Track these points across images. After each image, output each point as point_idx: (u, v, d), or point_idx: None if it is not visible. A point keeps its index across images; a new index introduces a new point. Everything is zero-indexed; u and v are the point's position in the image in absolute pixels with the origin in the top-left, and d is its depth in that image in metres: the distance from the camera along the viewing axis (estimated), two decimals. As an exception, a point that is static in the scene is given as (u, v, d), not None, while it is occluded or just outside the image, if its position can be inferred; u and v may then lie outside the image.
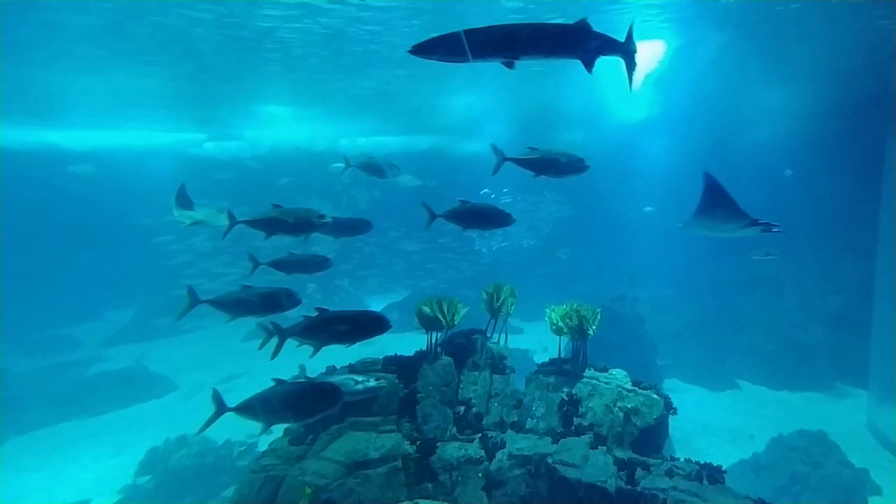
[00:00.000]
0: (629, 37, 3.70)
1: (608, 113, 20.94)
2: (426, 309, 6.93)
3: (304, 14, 11.60)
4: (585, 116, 21.57)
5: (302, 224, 6.31)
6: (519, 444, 6.39)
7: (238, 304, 5.89)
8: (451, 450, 6.33)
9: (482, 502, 6.12)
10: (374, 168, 9.16)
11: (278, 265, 6.97)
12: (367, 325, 5.15)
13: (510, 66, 3.57)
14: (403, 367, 7.02)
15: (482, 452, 6.32)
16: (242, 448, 11.57)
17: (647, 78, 16.77)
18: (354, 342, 5.24)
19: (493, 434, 6.62)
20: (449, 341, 7.25)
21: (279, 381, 5.10)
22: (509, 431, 6.77)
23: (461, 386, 6.96)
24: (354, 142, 28.05)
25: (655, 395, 6.72)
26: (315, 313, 5.34)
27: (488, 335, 7.48)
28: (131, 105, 19.50)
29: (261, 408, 4.75)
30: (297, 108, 22.43)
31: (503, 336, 7.53)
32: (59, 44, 12.56)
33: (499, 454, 6.29)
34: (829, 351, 15.97)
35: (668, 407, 6.72)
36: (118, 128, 23.89)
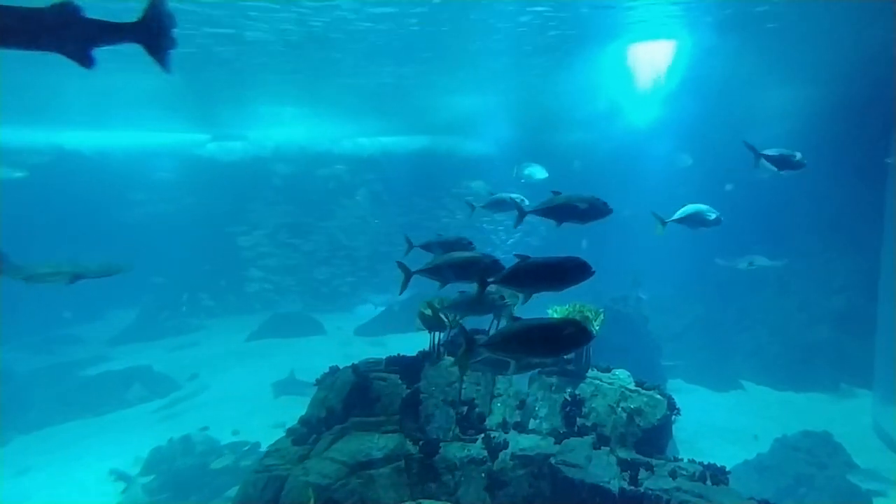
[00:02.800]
0: (149, 16, 2.78)
1: (613, 113, 20.89)
2: (428, 310, 6.93)
3: (304, 13, 11.61)
4: (589, 117, 21.52)
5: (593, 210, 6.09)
6: (522, 444, 6.38)
7: (447, 272, 5.75)
8: (454, 450, 6.33)
9: (485, 502, 6.12)
10: (501, 203, 8.96)
11: (428, 247, 6.98)
12: (572, 271, 4.94)
13: None
14: (406, 368, 7.02)
15: (485, 453, 6.31)
16: (246, 448, 11.59)
17: (654, 78, 16.73)
18: (560, 289, 4.99)
19: (496, 434, 6.61)
20: (451, 341, 7.25)
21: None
22: (512, 432, 6.76)
23: (464, 386, 6.96)
24: (356, 142, 28.08)
25: (659, 396, 6.70)
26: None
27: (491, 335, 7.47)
28: (131, 105, 19.55)
29: (507, 342, 4.45)
30: (299, 108, 22.48)
31: (506, 336, 7.51)
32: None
33: (502, 454, 6.28)
34: (833, 351, 15.90)
35: (672, 407, 6.70)
36: (120, 127, 23.96)
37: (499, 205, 9.20)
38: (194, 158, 25.38)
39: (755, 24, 12.37)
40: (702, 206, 8.27)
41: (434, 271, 5.83)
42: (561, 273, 4.87)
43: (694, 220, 8.12)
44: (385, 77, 16.81)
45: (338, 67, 15.53)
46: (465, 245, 6.49)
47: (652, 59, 15.21)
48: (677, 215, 8.13)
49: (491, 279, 4.96)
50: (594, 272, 4.83)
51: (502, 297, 6.18)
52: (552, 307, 7.07)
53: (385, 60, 15.03)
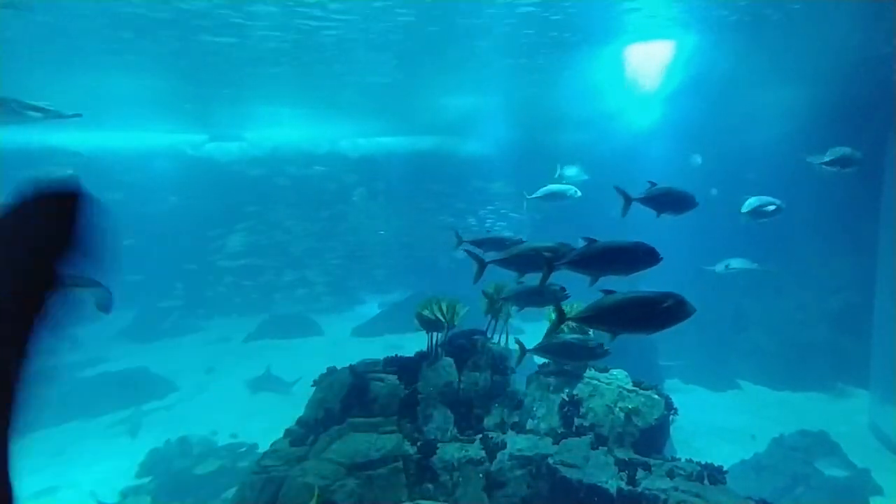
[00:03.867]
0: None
1: (614, 114, 20.92)
2: (426, 311, 6.94)
3: (305, 13, 11.62)
4: (588, 117, 21.55)
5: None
6: (520, 444, 6.39)
7: (526, 263, 5.69)
8: (452, 450, 6.33)
9: (483, 503, 6.12)
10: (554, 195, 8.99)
11: (478, 243, 6.97)
12: (641, 256, 4.85)
13: None
14: (404, 368, 7.02)
15: (483, 453, 6.32)
16: (243, 449, 11.58)
17: (654, 78, 16.74)
18: (627, 274, 4.92)
19: (494, 435, 6.62)
20: (450, 342, 7.26)
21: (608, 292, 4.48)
22: (510, 432, 6.77)
23: (462, 386, 6.96)
24: (354, 142, 28.09)
25: (656, 396, 6.72)
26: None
27: (489, 336, 7.48)
28: (131, 106, 19.51)
29: (601, 315, 4.30)
30: (298, 108, 22.46)
31: (504, 336, 7.53)
32: (56, 45, 12.58)
33: (500, 455, 6.29)
34: (830, 351, 15.94)
35: (669, 407, 6.72)
36: (117, 128, 23.90)
37: (553, 196, 9.45)
38: (191, 159, 25.33)
39: (754, 23, 12.40)
40: (764, 198, 8.62)
41: (511, 262, 5.78)
42: (630, 257, 4.85)
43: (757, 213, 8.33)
44: (382, 77, 16.80)
45: (336, 66, 15.52)
46: (516, 241, 6.50)
47: (650, 59, 15.22)
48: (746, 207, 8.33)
49: (560, 262, 4.93)
50: (662, 259, 4.80)
51: (563, 289, 6.19)
52: (549, 307, 7.06)
53: (383, 60, 15.03)
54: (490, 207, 23.84)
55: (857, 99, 15.45)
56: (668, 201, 6.28)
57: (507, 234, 6.90)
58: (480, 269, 5.86)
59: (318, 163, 26.38)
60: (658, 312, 4.28)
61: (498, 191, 24.23)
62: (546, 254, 5.40)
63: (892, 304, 12.53)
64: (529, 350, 6.09)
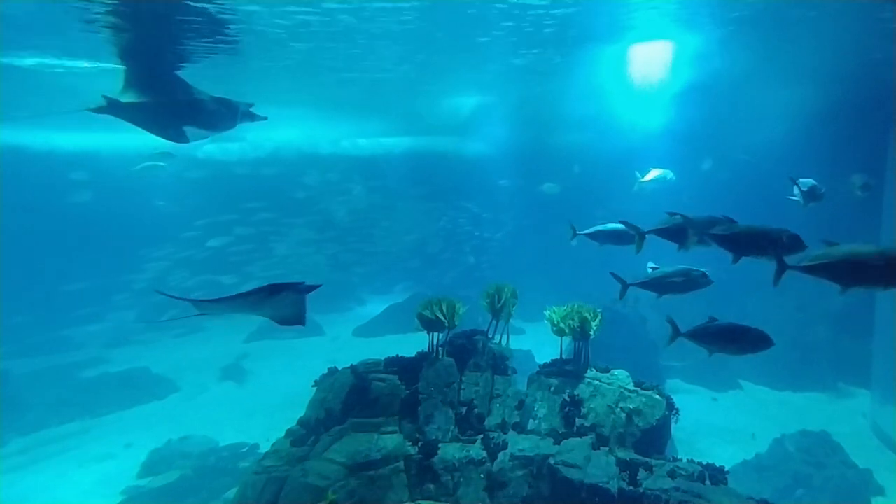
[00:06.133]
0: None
1: (613, 114, 20.92)
2: (426, 311, 6.94)
3: (304, 12, 11.57)
4: (590, 118, 21.56)
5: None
6: (521, 444, 6.39)
7: (681, 233, 5.96)
8: (453, 451, 6.33)
9: (484, 503, 6.12)
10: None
11: (594, 236, 7.02)
12: (787, 241, 5.10)
13: None
14: (405, 369, 7.03)
15: (484, 453, 6.32)
16: (244, 449, 11.58)
17: (654, 79, 16.74)
18: (772, 256, 5.09)
19: (495, 435, 6.62)
20: (450, 342, 7.26)
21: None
22: (511, 432, 6.77)
23: (463, 387, 6.97)
24: (355, 143, 28.09)
25: (657, 396, 6.72)
26: None
27: (490, 336, 7.48)
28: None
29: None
30: (298, 109, 22.43)
31: (505, 337, 7.53)
32: (54, 41, 12.54)
33: (501, 455, 6.29)
34: (831, 351, 15.92)
35: (671, 407, 6.73)
36: (115, 129, 23.88)
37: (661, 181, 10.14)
38: (191, 160, 25.30)
39: (755, 23, 12.38)
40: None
41: (667, 232, 6.01)
42: (775, 242, 4.90)
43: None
44: (382, 76, 16.76)
45: (333, 66, 15.49)
46: (632, 237, 6.57)
47: (652, 59, 15.20)
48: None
49: (708, 234, 5.00)
50: (806, 247, 4.87)
51: (704, 275, 6.29)
52: (549, 308, 7.08)
53: (381, 59, 15.00)
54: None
55: (856, 99, 15.45)
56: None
57: (619, 226, 6.97)
58: (640, 240, 6.10)
59: (319, 163, 26.39)
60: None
61: (502, 190, 24.31)
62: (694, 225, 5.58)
63: (892, 305, 12.52)
64: (631, 283, 6.38)
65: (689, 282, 6.36)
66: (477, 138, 27.09)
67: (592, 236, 7.30)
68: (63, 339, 20.56)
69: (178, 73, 10.28)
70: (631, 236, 6.70)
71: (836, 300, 16.58)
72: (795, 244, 5.04)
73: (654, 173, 14.46)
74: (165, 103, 7.59)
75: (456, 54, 14.56)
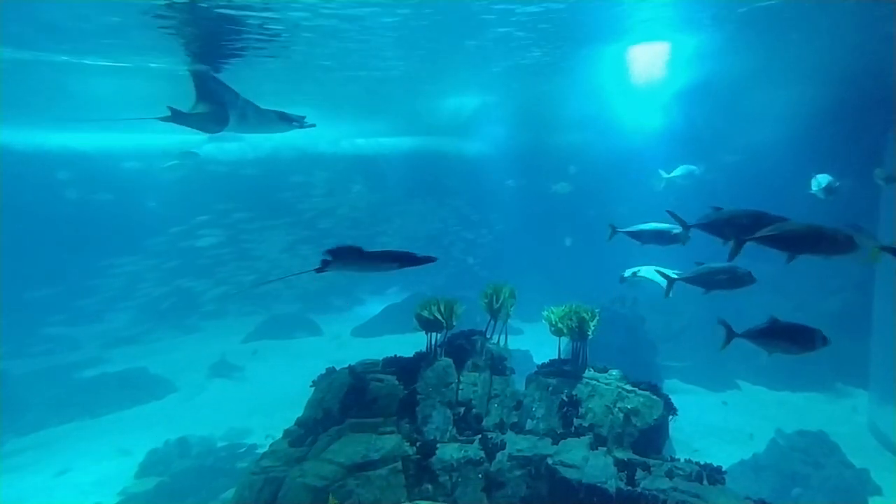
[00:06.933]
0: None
1: (611, 114, 20.96)
2: (425, 311, 6.94)
3: (303, 11, 11.55)
4: (588, 119, 21.59)
5: None
6: (519, 445, 6.39)
7: (727, 227, 5.86)
8: (451, 451, 6.32)
9: (482, 503, 6.12)
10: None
11: (636, 235, 6.95)
12: (841, 242, 5.03)
13: None
14: (403, 369, 7.02)
15: (482, 453, 6.32)
16: (242, 449, 11.57)
17: (653, 79, 16.75)
18: (825, 256, 5.26)
19: (493, 435, 6.62)
20: (449, 342, 7.26)
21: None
22: (509, 432, 6.77)
23: (461, 387, 6.96)
24: (353, 143, 28.07)
25: (655, 396, 6.72)
26: None
27: (488, 336, 7.48)
28: (127, 106, 19.47)
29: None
30: (297, 109, 22.42)
31: (503, 337, 7.53)
32: (54, 43, 12.54)
33: (499, 455, 6.29)
34: (829, 351, 15.83)
35: (668, 407, 6.72)
36: (113, 129, 23.85)
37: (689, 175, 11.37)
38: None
39: (754, 24, 12.40)
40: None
41: (712, 226, 5.89)
42: (829, 242, 4.83)
43: None
44: (381, 75, 16.75)
45: (331, 65, 15.48)
46: (674, 237, 6.54)
47: (651, 60, 15.21)
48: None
49: (747, 237, 4.96)
50: (858, 248, 4.82)
51: (749, 274, 6.29)
52: (547, 308, 7.08)
53: (379, 59, 14.99)
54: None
55: (854, 99, 15.48)
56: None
57: (662, 225, 6.91)
58: (685, 232, 6.04)
59: (318, 163, 26.37)
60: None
61: (501, 190, 24.33)
62: (744, 223, 5.54)
63: (890, 305, 12.55)
64: (677, 279, 6.47)
65: (734, 279, 6.34)
66: (475, 138, 27.11)
67: (634, 235, 7.17)
68: (61, 338, 20.52)
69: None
70: (673, 236, 6.62)
71: (835, 300, 16.62)
72: (850, 244, 4.95)
73: (680, 169, 14.80)
74: (221, 113, 7.96)
75: (453, 55, 14.54)
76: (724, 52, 14.33)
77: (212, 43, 11.46)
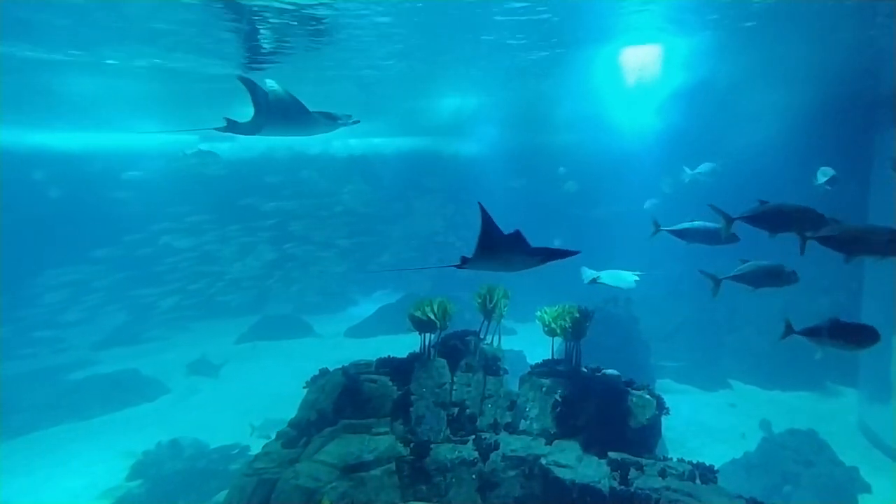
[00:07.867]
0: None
1: (605, 116, 21.04)
2: (418, 312, 6.94)
3: (299, 10, 11.52)
4: (580, 120, 21.65)
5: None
6: (513, 445, 6.40)
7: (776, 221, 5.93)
8: (445, 451, 6.33)
9: (476, 504, 6.13)
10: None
11: (681, 234, 6.91)
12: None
13: None
14: (397, 370, 7.02)
15: (476, 454, 6.32)
16: (235, 451, 11.51)
17: (645, 81, 16.83)
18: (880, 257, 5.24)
19: (487, 435, 6.63)
20: (442, 343, 7.26)
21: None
22: (503, 433, 6.78)
23: (455, 387, 6.97)
24: (346, 143, 28.00)
25: (648, 396, 6.76)
26: None
27: (482, 336, 7.49)
28: (121, 106, 19.34)
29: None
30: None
31: (496, 337, 7.54)
32: (44, 43, 12.44)
33: (493, 455, 6.30)
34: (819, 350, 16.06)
35: (661, 407, 6.76)
36: (107, 129, 23.70)
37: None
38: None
39: (747, 24, 12.47)
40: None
41: (760, 219, 5.95)
42: (889, 242, 4.85)
43: None
44: (375, 75, 16.73)
45: (328, 64, 15.44)
46: (724, 237, 6.55)
47: (643, 62, 15.28)
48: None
49: (812, 235, 4.96)
50: None
51: (794, 273, 6.32)
52: (541, 308, 7.10)
53: (376, 58, 14.98)
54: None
55: (849, 99, 15.61)
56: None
57: (707, 224, 6.87)
58: (728, 226, 6.08)
59: (310, 163, 26.29)
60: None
61: (496, 189, 24.34)
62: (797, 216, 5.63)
63: (879, 304, 12.67)
64: (724, 278, 6.48)
65: (780, 277, 6.41)
66: (470, 139, 27.12)
67: (679, 234, 7.12)
68: (52, 340, 20.32)
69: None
70: (719, 236, 6.61)
71: (825, 299, 16.75)
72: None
73: (704, 166, 15.13)
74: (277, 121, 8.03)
75: (447, 54, 14.55)
76: (717, 55, 14.43)
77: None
